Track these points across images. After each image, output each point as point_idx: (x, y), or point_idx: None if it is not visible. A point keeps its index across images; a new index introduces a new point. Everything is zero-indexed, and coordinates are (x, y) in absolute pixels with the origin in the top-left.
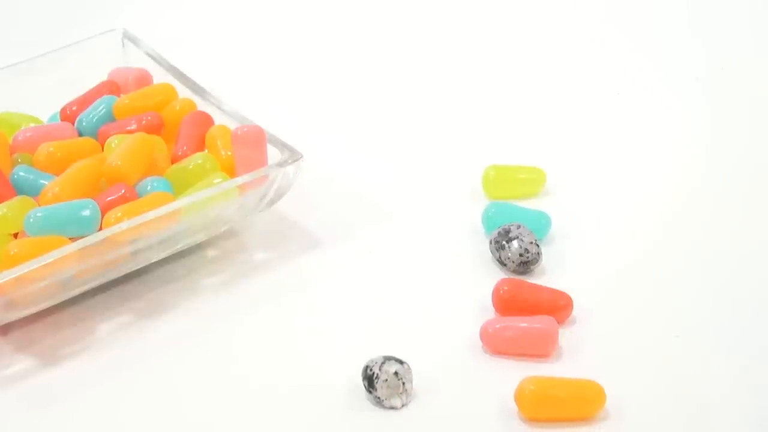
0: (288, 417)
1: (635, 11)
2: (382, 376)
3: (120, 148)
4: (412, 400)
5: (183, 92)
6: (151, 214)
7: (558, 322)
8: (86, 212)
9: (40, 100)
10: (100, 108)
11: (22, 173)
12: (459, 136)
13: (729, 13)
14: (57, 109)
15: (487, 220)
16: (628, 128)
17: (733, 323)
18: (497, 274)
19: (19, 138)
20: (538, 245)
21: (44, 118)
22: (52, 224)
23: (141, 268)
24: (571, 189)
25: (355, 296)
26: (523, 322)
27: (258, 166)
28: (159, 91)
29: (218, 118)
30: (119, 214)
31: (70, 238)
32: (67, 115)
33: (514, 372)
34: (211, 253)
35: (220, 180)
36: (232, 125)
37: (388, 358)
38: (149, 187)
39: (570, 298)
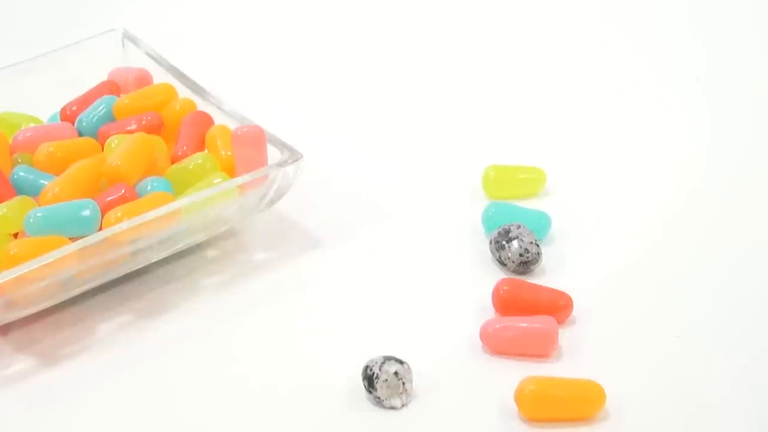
0: (288, 417)
1: (635, 11)
2: (382, 376)
3: (120, 148)
4: (412, 400)
5: (183, 92)
6: (151, 214)
7: (558, 322)
8: (86, 212)
9: (40, 100)
10: (100, 108)
11: (22, 173)
12: (459, 136)
13: (729, 13)
14: (57, 109)
15: (487, 220)
16: (628, 128)
17: (733, 323)
18: (497, 274)
19: (19, 138)
20: (538, 245)
21: (44, 118)
22: (52, 224)
23: (141, 268)
24: (571, 189)
25: (355, 296)
26: (523, 322)
27: (258, 166)
28: (159, 91)
29: (218, 118)
30: (119, 214)
31: (70, 238)
32: (67, 115)
33: (514, 372)
34: (211, 253)
35: (220, 180)
36: (232, 125)
37: (388, 358)
38: (149, 187)
39: (570, 298)
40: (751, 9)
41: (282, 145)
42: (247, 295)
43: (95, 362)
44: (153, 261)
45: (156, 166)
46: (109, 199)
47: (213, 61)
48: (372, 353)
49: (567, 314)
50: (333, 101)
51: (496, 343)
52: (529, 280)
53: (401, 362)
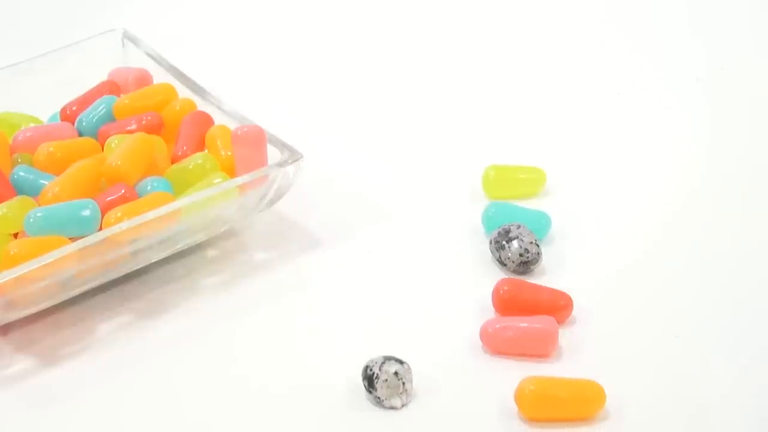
0: (288, 417)
1: (635, 11)
2: (382, 376)
3: (120, 148)
4: (412, 400)
5: (183, 92)
6: (151, 214)
7: (558, 322)
8: (86, 212)
9: (40, 100)
10: (100, 108)
11: (22, 173)
12: (459, 136)
13: (729, 13)
14: (57, 109)
15: (487, 220)
16: (628, 128)
17: (733, 323)
18: (497, 274)
19: (19, 138)
20: (538, 245)
21: (44, 118)
22: (52, 224)
23: (141, 268)
24: (571, 189)
25: (355, 296)
26: (523, 322)
27: (258, 166)
28: (159, 91)
29: (218, 118)
30: (119, 214)
31: (70, 238)
32: (67, 115)
33: (514, 372)
34: (211, 253)
35: (220, 180)
36: (232, 125)
37: (388, 358)
38: (149, 187)
39: (570, 298)
40: (751, 9)
41: (282, 145)
42: (247, 295)
43: (95, 362)
44: (153, 261)
45: (156, 166)
46: (109, 199)
47: (213, 61)
48: (372, 353)
49: (567, 314)
50: (333, 101)
51: (496, 343)
52: (529, 280)
53: (401, 362)
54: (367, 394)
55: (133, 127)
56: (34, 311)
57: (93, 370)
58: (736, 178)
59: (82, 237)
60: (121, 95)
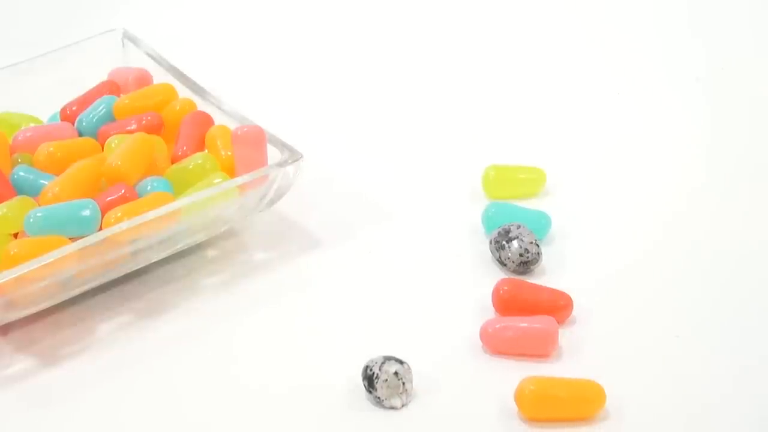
0: (288, 417)
1: (635, 11)
2: (382, 376)
3: (120, 148)
4: (412, 400)
5: (183, 92)
6: (151, 214)
7: (558, 322)
8: (86, 212)
9: (40, 100)
10: (100, 108)
11: (22, 173)
12: (459, 136)
13: (729, 13)
14: (57, 109)
15: (487, 220)
16: (628, 128)
17: (733, 323)
18: (497, 274)
19: (19, 138)
20: (538, 245)
21: (44, 118)
22: (52, 224)
23: (141, 268)
24: (571, 189)
25: (355, 296)
26: (523, 322)
27: (258, 166)
28: (159, 91)
29: (218, 118)
30: (119, 214)
31: (70, 238)
32: (67, 115)
33: (514, 372)
34: (211, 253)
35: (220, 180)
36: (232, 125)
37: (388, 358)
38: (149, 187)
39: (570, 298)
40: (751, 9)
41: (282, 145)
42: (247, 295)
43: (95, 362)
44: (153, 261)
45: (156, 166)
46: (109, 199)
47: (213, 61)
48: (372, 353)
49: (567, 314)
50: (333, 101)
51: (496, 343)
52: (529, 280)
53: (401, 362)
54: (367, 394)
55: (133, 127)
56: (34, 311)
57: (93, 370)
58: (736, 178)
59: (82, 237)
60: (121, 95)
